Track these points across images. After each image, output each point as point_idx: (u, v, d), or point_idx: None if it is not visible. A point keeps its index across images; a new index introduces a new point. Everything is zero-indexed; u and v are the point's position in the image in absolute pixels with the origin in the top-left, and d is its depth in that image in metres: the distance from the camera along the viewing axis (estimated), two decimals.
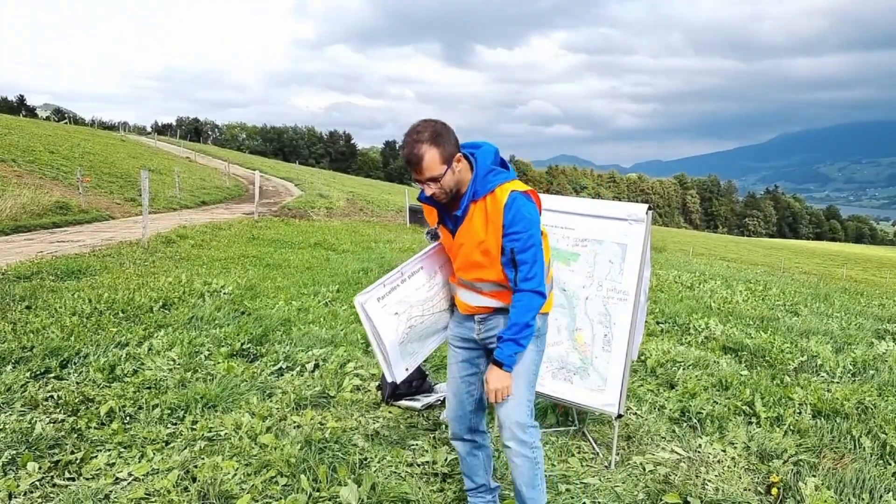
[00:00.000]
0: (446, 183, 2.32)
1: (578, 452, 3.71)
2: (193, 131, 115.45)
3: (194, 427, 3.67)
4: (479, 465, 2.79)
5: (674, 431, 4.04)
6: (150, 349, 4.97)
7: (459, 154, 2.34)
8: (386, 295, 2.58)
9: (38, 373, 4.35)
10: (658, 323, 7.30)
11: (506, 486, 3.21)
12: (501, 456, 3.47)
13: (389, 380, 2.70)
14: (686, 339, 6.64)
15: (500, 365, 2.39)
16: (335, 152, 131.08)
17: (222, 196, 26.01)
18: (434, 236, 2.67)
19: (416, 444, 3.63)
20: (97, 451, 3.33)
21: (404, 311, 2.62)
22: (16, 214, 13.09)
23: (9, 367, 4.35)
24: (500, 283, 2.47)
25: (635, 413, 4.33)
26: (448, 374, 2.74)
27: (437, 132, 2.27)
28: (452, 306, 2.74)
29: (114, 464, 3.21)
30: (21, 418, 3.62)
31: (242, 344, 5.22)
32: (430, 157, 2.26)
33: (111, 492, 2.95)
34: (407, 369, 2.73)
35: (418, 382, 4.40)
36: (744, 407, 4.44)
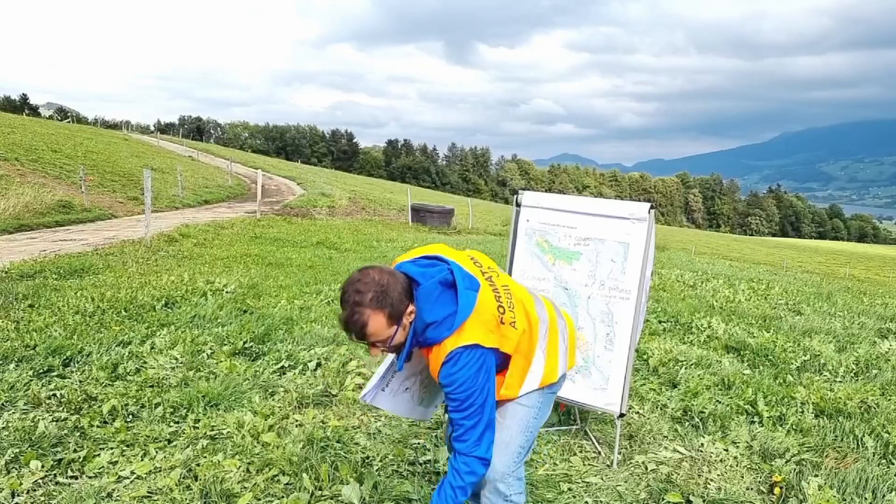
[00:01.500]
0: (397, 340, 2.06)
1: (580, 451, 3.71)
2: (196, 130, 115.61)
3: (197, 425, 3.68)
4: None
5: (676, 430, 4.04)
6: (152, 348, 4.98)
7: (412, 306, 2.03)
8: (389, 383, 2.50)
9: (40, 371, 4.36)
10: (660, 322, 7.29)
11: None
12: None
13: (427, 416, 2.75)
14: (688, 338, 6.63)
15: None
16: (337, 151, 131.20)
17: (225, 195, 26.01)
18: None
19: (418, 443, 3.63)
20: (100, 449, 3.33)
21: (413, 384, 2.57)
22: (19, 213, 13.11)
23: (12, 366, 4.36)
24: None
25: (637, 412, 4.33)
26: None
27: (381, 291, 1.95)
28: None
29: (116, 462, 3.22)
30: (24, 416, 3.63)
31: (245, 342, 5.23)
32: (376, 322, 1.96)
33: (114, 490, 2.96)
34: (436, 406, 2.76)
35: None
36: (746, 406, 4.44)
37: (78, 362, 4.58)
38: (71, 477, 3.06)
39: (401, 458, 3.42)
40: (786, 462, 3.58)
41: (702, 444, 3.82)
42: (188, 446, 3.42)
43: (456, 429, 2.07)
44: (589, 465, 3.55)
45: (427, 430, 3.86)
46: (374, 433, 3.75)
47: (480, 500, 2.37)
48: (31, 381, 4.16)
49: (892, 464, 3.68)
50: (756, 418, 4.29)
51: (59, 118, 70.25)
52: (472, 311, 2.02)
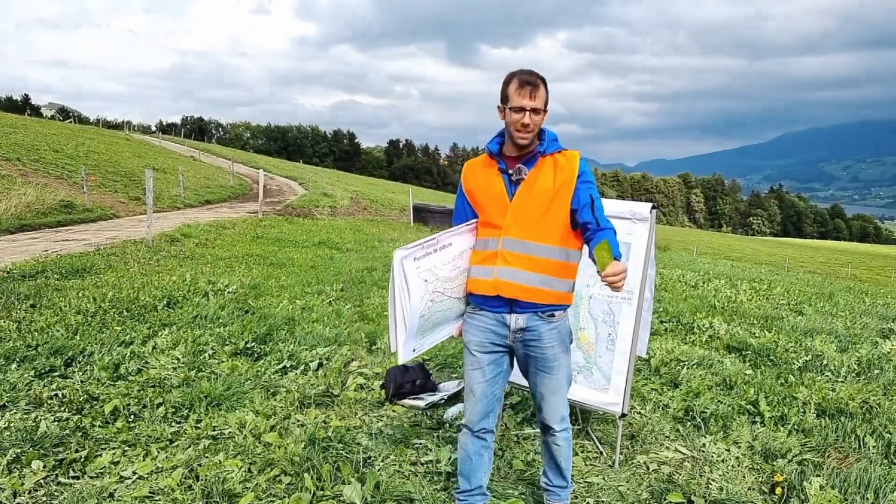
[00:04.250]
0: (538, 122, 2.48)
1: (582, 451, 3.70)
2: (198, 130, 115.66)
3: (198, 425, 3.68)
4: (482, 465, 2.79)
5: (678, 430, 4.04)
6: (154, 348, 4.98)
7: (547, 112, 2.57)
8: (421, 258, 2.53)
9: (42, 371, 4.36)
10: (662, 322, 7.28)
11: (509, 487, 3.22)
12: (493, 460, 3.49)
13: (399, 359, 2.62)
14: (690, 338, 6.63)
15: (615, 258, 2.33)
16: (339, 151, 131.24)
17: (226, 195, 26.04)
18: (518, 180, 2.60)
19: (420, 443, 3.63)
20: (102, 449, 3.34)
21: (431, 282, 2.56)
22: (21, 213, 13.13)
23: (13, 366, 4.36)
24: (557, 249, 2.53)
25: (639, 412, 4.33)
26: (470, 378, 2.71)
27: (546, 81, 2.52)
28: (468, 303, 2.73)
29: (118, 462, 3.22)
30: (26, 417, 3.64)
31: (246, 342, 5.23)
32: (543, 91, 2.48)
33: (115, 490, 2.96)
34: (415, 350, 2.67)
35: (422, 381, 4.40)
36: (748, 406, 4.43)
37: (80, 362, 4.59)
38: (73, 477, 3.07)
39: (403, 458, 3.41)
40: (787, 462, 3.57)
41: (703, 445, 3.81)
42: (190, 446, 3.42)
43: (600, 210, 2.53)
44: (591, 465, 3.55)
45: (429, 431, 3.86)
46: (375, 433, 3.75)
47: (552, 440, 2.80)
48: (33, 381, 4.17)
49: (894, 464, 3.68)
50: (758, 418, 4.28)
51: (61, 118, 70.35)
52: None
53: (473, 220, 2.70)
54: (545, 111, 2.50)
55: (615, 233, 2.49)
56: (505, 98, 2.50)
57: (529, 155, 2.55)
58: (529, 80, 2.44)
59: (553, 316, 2.61)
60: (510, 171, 2.56)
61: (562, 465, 2.87)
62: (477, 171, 2.68)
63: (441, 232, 2.63)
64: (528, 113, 2.43)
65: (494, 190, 2.59)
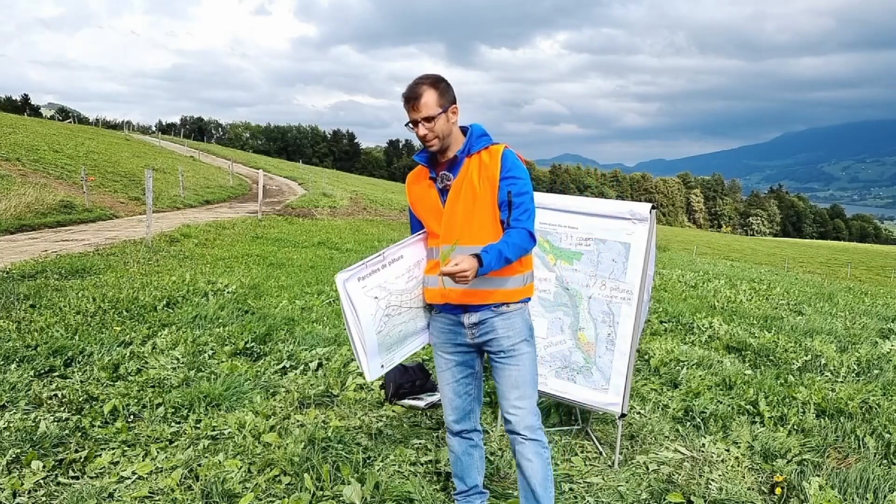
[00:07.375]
0: (439, 126, 2.39)
1: (582, 452, 3.71)
2: (197, 130, 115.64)
3: (198, 426, 3.68)
4: (473, 465, 2.77)
5: (677, 431, 4.04)
6: (153, 348, 4.98)
7: (456, 108, 2.46)
8: (367, 276, 2.53)
9: (42, 371, 4.36)
10: (662, 322, 7.29)
11: (509, 486, 3.22)
12: (493, 460, 3.49)
13: (367, 377, 2.59)
14: (690, 338, 6.63)
15: (479, 260, 2.25)
16: (339, 151, 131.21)
17: (226, 195, 26.03)
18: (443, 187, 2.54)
19: (420, 443, 3.63)
20: (101, 449, 3.34)
21: (383, 298, 2.54)
22: (20, 213, 13.12)
23: (13, 366, 4.36)
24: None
25: (639, 412, 4.33)
26: (441, 380, 2.69)
27: (438, 79, 2.42)
28: (431, 307, 2.69)
29: (118, 462, 3.22)
30: (25, 417, 3.63)
31: (246, 343, 5.23)
32: (429, 96, 2.37)
33: (115, 490, 2.96)
34: (383, 366, 2.63)
35: (421, 381, 4.40)
36: (748, 406, 4.43)
37: (79, 362, 4.59)
38: (72, 477, 3.07)
39: (402, 459, 3.41)
40: (787, 462, 3.57)
41: (703, 445, 3.82)
42: (189, 446, 3.42)
43: (516, 211, 2.43)
44: (590, 465, 3.55)
45: (428, 431, 3.86)
46: (375, 433, 3.75)
47: (521, 451, 2.53)
48: (33, 381, 4.17)
49: (894, 464, 3.68)
50: (757, 418, 4.28)
51: (61, 118, 70.33)
52: None
53: (423, 231, 2.68)
54: (445, 111, 2.40)
55: (528, 235, 2.40)
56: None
57: (453, 159, 2.49)
58: (409, 95, 2.38)
59: (508, 306, 2.52)
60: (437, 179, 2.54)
61: (536, 491, 2.53)
62: (414, 183, 2.66)
63: (389, 246, 2.64)
64: (420, 124, 2.38)
65: (430, 200, 2.57)
